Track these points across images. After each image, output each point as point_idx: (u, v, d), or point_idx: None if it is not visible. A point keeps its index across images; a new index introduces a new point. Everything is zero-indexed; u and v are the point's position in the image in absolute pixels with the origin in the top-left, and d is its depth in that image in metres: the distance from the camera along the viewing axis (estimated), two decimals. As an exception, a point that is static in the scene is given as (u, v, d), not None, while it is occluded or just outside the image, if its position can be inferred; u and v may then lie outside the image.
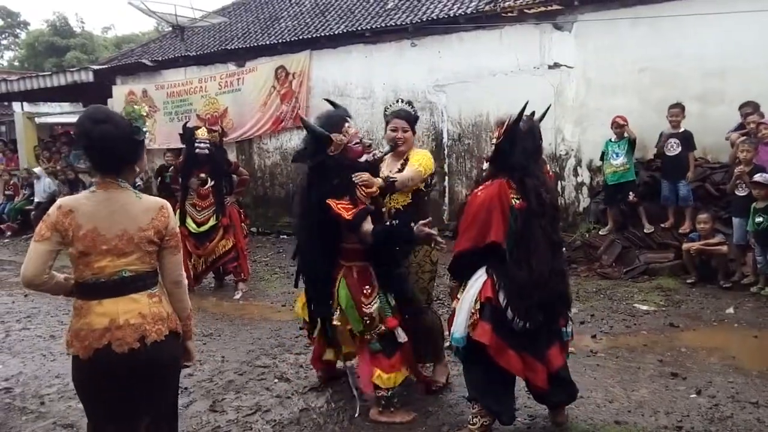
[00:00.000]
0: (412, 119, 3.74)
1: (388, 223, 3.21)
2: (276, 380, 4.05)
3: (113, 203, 2.17)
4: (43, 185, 11.69)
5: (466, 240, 2.92)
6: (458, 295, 3.01)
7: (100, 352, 2.10)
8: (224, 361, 4.43)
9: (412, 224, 3.05)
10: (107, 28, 41.40)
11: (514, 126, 2.93)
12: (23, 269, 2.12)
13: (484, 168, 3.13)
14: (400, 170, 3.62)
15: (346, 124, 3.14)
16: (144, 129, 2.37)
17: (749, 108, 6.46)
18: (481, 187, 2.97)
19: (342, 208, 3.00)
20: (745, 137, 6.12)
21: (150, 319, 2.17)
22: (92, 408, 2.23)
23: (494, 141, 3.01)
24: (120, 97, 11.74)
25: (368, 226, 3.03)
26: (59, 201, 2.18)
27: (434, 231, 3.05)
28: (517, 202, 2.87)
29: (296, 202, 3.35)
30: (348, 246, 3.19)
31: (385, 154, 3.64)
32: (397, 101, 3.92)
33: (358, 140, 3.17)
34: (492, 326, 2.83)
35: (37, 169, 12.03)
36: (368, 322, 3.18)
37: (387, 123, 3.76)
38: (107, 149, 2.14)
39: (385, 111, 3.85)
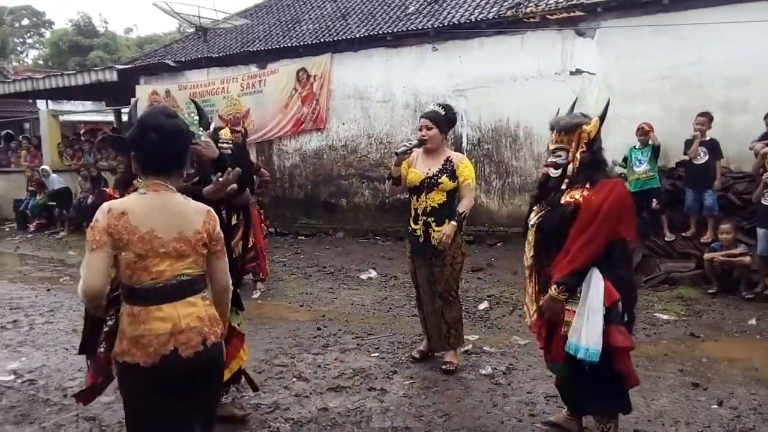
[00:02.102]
0: (438, 118, 4.00)
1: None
2: (294, 379, 4.08)
3: (167, 205, 2.11)
4: (52, 180, 11.97)
5: (591, 250, 2.65)
6: (569, 307, 2.74)
7: (168, 357, 2.03)
8: (264, 352, 4.47)
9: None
10: (130, 28, 41.97)
11: (602, 122, 2.83)
12: (87, 283, 1.99)
13: (554, 174, 2.86)
14: (441, 170, 3.97)
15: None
16: (195, 137, 2.36)
17: None
18: (585, 192, 2.72)
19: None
20: (769, 147, 6.04)
21: (208, 322, 2.14)
22: (147, 418, 2.12)
23: (583, 143, 2.78)
24: (144, 96, 11.89)
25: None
26: (108, 204, 2.07)
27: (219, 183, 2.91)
28: None
29: None
30: None
31: (412, 147, 3.98)
32: (438, 103, 4.23)
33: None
34: (625, 328, 2.74)
35: (46, 167, 12.30)
36: None
37: None
38: (168, 154, 2.11)
39: None
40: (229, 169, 2.85)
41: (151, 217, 2.05)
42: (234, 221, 6.23)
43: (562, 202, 2.78)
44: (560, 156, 2.85)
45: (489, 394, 3.77)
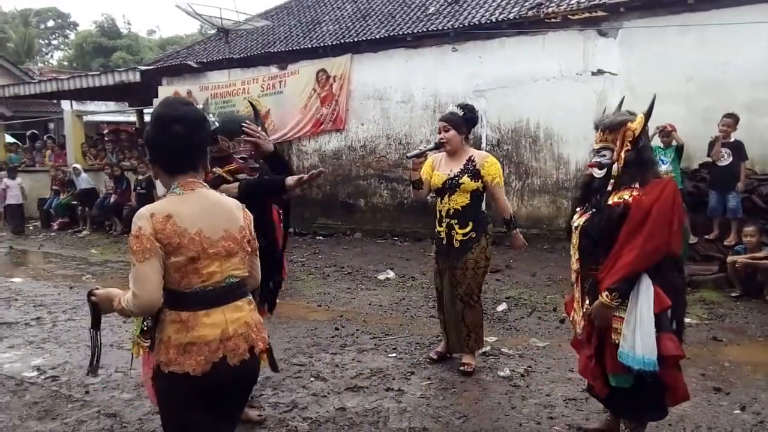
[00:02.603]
0: (455, 120, 3.99)
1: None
2: (312, 379, 4.10)
3: (209, 203, 2.00)
4: (82, 180, 12.16)
5: (648, 255, 2.53)
6: (617, 314, 2.62)
7: (217, 365, 1.93)
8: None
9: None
10: (152, 30, 42.54)
11: (648, 119, 2.73)
12: (144, 298, 1.86)
13: (598, 174, 2.76)
14: (462, 170, 3.97)
15: (240, 137, 3.01)
16: (212, 127, 2.34)
17: None
18: (635, 192, 2.61)
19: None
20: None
21: (254, 327, 2.05)
22: (187, 428, 2.02)
23: (627, 141, 2.67)
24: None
25: (232, 186, 2.94)
26: (148, 209, 1.92)
27: (300, 176, 2.90)
28: None
29: None
30: None
31: (427, 150, 4.00)
32: (459, 104, 4.20)
33: (244, 156, 2.98)
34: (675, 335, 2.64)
35: (77, 165, 12.51)
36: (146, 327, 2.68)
37: None
38: (194, 144, 1.98)
39: None
40: (318, 170, 2.89)
41: (198, 217, 1.94)
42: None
43: (610, 203, 2.66)
44: (605, 155, 2.74)
45: (507, 396, 3.75)
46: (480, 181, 3.95)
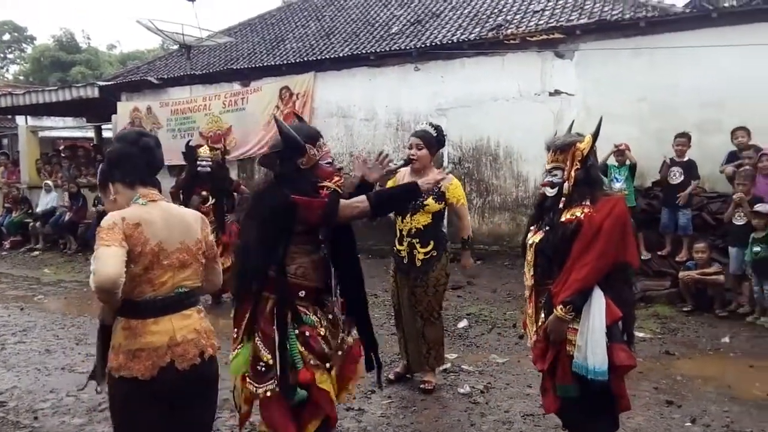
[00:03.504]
0: (429, 139, 3.96)
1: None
2: (271, 399, 4.03)
3: (169, 215, 2.12)
4: (50, 198, 11.82)
5: (599, 270, 2.62)
6: (572, 326, 2.67)
7: (165, 369, 2.03)
8: (221, 380, 4.40)
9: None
10: (113, 45, 41.79)
11: (595, 139, 2.82)
12: (102, 271, 1.87)
13: (550, 193, 2.84)
14: (427, 192, 3.87)
15: (321, 140, 2.90)
16: None
17: (742, 132, 6.57)
18: (586, 210, 2.69)
19: (308, 200, 2.64)
20: (742, 169, 6.18)
21: (204, 334, 2.16)
22: None
23: (577, 161, 2.76)
24: (124, 113, 11.85)
25: (357, 200, 2.73)
26: (120, 213, 2.01)
27: (433, 178, 3.00)
28: None
29: (249, 208, 2.90)
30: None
31: (399, 167, 3.93)
32: (429, 123, 4.18)
33: (329, 160, 2.92)
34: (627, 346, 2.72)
35: (49, 182, 12.20)
36: (262, 369, 2.67)
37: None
38: (158, 157, 2.18)
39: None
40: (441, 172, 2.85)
41: (160, 228, 2.06)
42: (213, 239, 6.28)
43: (563, 220, 2.75)
44: (556, 175, 2.83)
45: (467, 413, 3.77)
46: (443, 202, 3.98)
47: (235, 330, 2.80)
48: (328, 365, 2.76)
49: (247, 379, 2.74)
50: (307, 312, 2.74)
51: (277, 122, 2.83)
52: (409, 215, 3.97)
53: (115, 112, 12.10)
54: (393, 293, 4.25)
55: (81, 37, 37.51)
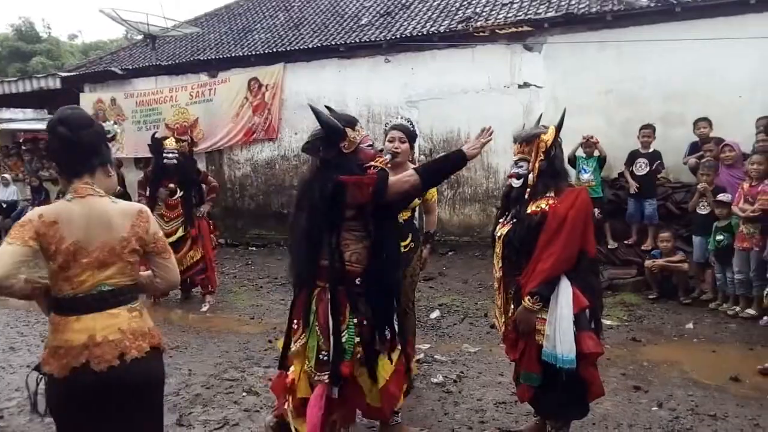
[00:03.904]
0: (409, 133, 3.90)
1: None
2: (244, 394, 4.01)
3: (93, 213, 2.03)
4: (9, 191, 11.49)
5: (565, 260, 2.68)
6: (540, 316, 2.73)
7: (78, 370, 1.97)
8: (191, 375, 4.38)
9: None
10: (74, 34, 40.69)
11: (559, 131, 2.88)
12: None
13: (516, 184, 2.90)
14: None
15: (359, 124, 2.89)
16: (112, 132, 2.30)
17: (704, 123, 6.73)
18: (551, 201, 2.75)
19: (357, 178, 2.64)
20: (705, 160, 6.34)
21: (130, 335, 2.05)
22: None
23: (541, 152, 2.82)
24: (88, 105, 11.52)
25: (406, 174, 2.72)
26: (39, 210, 2.01)
27: (480, 142, 2.81)
28: None
29: (298, 196, 2.91)
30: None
31: (387, 162, 3.84)
32: (401, 118, 4.16)
33: (370, 143, 2.90)
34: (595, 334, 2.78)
35: (6, 175, 11.85)
36: (324, 358, 2.69)
37: (386, 135, 3.89)
38: (82, 143, 2.02)
39: (386, 125, 4.00)
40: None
41: (78, 226, 2.00)
42: (181, 233, 6.20)
43: (528, 212, 2.79)
44: (522, 167, 2.89)
45: (440, 402, 3.81)
46: (421, 198, 3.93)
47: (295, 321, 2.80)
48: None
49: (305, 366, 2.74)
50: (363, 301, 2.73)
51: (313, 109, 2.77)
52: None
53: (78, 104, 11.77)
54: None
55: (41, 26, 36.35)
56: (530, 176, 2.85)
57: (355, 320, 2.68)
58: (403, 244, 3.91)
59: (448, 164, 2.86)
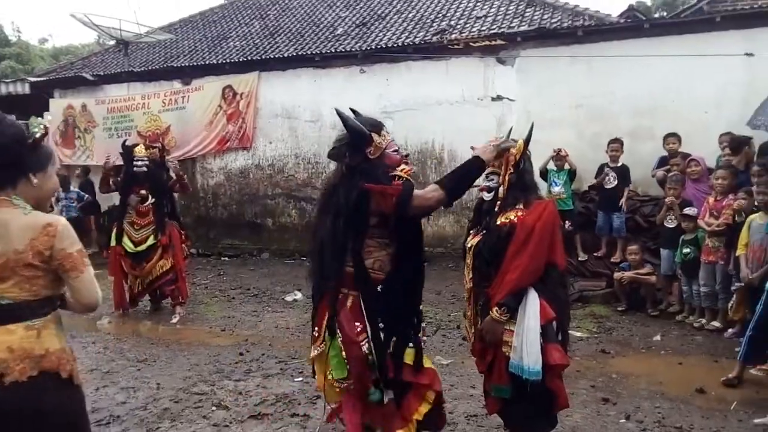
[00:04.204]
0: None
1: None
2: (214, 408, 3.95)
3: None
4: None
5: (532, 271, 2.70)
6: (508, 327, 2.74)
7: None
8: (159, 388, 4.30)
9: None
10: (45, 38, 39.97)
11: (527, 144, 2.93)
12: None
13: (487, 197, 2.93)
14: None
15: (384, 128, 2.81)
16: (38, 133, 2.07)
17: (674, 139, 6.89)
18: (520, 213, 2.78)
19: (383, 186, 2.57)
20: (672, 174, 6.48)
21: (18, 355, 1.86)
22: None
23: (510, 165, 2.86)
24: (57, 110, 11.35)
25: (429, 189, 2.62)
26: None
27: (494, 142, 2.79)
28: None
29: (322, 201, 2.86)
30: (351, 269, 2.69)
31: None
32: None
33: (395, 148, 2.81)
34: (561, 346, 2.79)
35: None
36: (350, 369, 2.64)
37: None
38: None
39: None
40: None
41: None
42: (152, 241, 6.10)
43: (498, 223, 2.82)
44: (492, 180, 2.93)
45: (411, 415, 3.79)
46: None
47: (316, 329, 2.73)
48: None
49: (330, 375, 2.68)
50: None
51: (339, 114, 2.68)
52: None
53: (48, 110, 11.58)
54: None
55: (10, 29, 35.73)
56: (500, 189, 2.89)
57: (382, 324, 2.65)
58: None
59: (469, 173, 2.76)
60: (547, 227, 2.73)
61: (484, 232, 2.91)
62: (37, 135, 1.99)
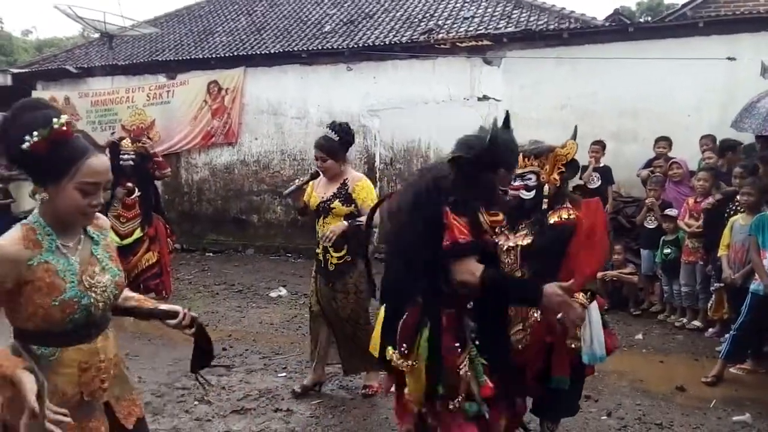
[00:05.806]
0: (329, 147, 3.85)
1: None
2: (196, 402, 3.94)
3: None
4: None
5: (602, 262, 3.07)
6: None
7: None
8: (141, 382, 4.26)
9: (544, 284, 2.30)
10: (28, 30, 39.43)
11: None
12: None
13: (526, 196, 2.95)
14: (334, 194, 3.87)
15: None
16: (37, 135, 1.71)
17: (664, 143, 6.96)
18: (572, 211, 2.88)
19: (456, 227, 2.27)
20: (653, 176, 6.56)
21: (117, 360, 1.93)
22: None
23: (560, 164, 2.96)
24: (39, 102, 11.18)
25: (474, 267, 2.26)
26: None
27: (572, 303, 2.34)
28: None
29: (406, 201, 2.47)
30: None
31: (304, 184, 3.94)
32: (331, 124, 4.02)
33: (504, 188, 2.55)
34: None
35: None
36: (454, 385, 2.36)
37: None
38: None
39: None
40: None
41: None
42: (138, 234, 6.07)
43: (552, 222, 2.90)
44: (530, 179, 2.98)
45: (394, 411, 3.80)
46: (353, 205, 3.86)
47: (404, 345, 2.39)
48: None
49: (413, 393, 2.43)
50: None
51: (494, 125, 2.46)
52: (322, 218, 3.91)
53: (29, 102, 11.40)
54: (312, 293, 4.12)
55: (-9, 20, 35.13)
56: (546, 188, 2.95)
57: (477, 342, 2.44)
58: (336, 255, 3.84)
59: (516, 294, 2.46)
60: (605, 223, 3.04)
61: (537, 230, 2.91)
62: (36, 138, 1.68)
